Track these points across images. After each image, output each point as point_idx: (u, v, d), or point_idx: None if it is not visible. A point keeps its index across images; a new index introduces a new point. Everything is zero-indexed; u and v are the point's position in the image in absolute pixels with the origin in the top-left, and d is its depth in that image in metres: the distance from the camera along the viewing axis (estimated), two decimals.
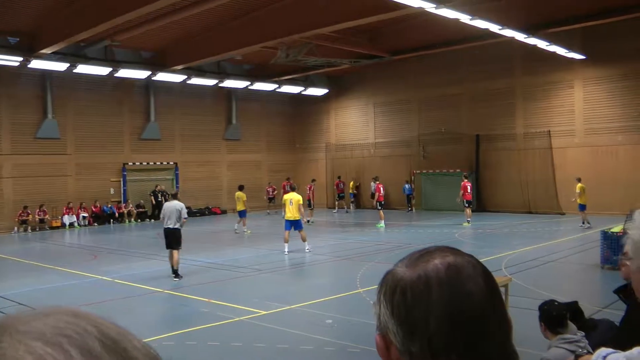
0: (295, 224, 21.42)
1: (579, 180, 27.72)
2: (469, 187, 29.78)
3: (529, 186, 34.49)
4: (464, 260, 1.27)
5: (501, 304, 1.27)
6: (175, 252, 17.14)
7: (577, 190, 27.16)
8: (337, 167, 44.63)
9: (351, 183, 42.39)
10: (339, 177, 42.32)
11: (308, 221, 31.55)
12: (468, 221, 29.05)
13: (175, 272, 17.08)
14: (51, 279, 17.94)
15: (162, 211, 17.78)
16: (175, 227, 17.30)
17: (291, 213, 21.27)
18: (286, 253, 21.13)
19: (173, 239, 17.26)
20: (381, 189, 31.21)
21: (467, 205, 29.65)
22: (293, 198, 21.51)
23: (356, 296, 13.85)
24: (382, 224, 29.52)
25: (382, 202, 31.04)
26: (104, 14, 23.97)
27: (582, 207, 27.14)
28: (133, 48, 34.28)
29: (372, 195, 34.62)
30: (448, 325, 1.17)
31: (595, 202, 29.14)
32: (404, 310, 1.20)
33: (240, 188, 29.79)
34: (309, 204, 34.76)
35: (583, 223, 26.82)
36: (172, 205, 17.59)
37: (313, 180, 38.48)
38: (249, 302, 13.43)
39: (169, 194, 37.80)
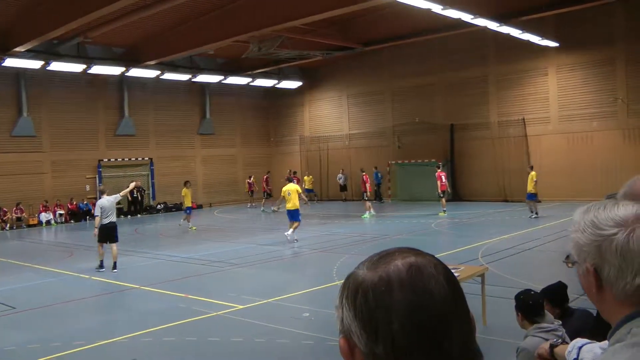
0: (293, 214, 22.32)
1: (532, 168, 27.25)
2: (443, 177, 29.77)
3: (505, 174, 34.63)
4: (425, 260, 1.27)
5: (464, 302, 1.26)
6: (114, 245, 18.01)
7: (534, 179, 26.33)
8: (312, 159, 44.63)
9: (305, 178, 42.26)
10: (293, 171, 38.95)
11: (274, 210, 32.18)
12: (444, 211, 29.17)
13: (114, 265, 17.85)
14: (29, 277, 17.90)
15: (101, 208, 17.95)
16: (115, 220, 18.35)
17: (291, 203, 22.11)
18: (296, 240, 22.05)
19: (114, 234, 18.09)
20: (367, 179, 31.45)
21: (442, 195, 29.72)
22: (291, 189, 22.36)
23: (333, 288, 13.83)
24: (366, 214, 29.67)
25: (367, 193, 31.13)
26: (76, 11, 23.84)
27: (532, 197, 26.55)
28: (106, 44, 34.15)
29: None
30: (411, 325, 1.17)
31: (571, 188, 29.44)
32: (366, 312, 1.20)
33: (185, 184, 30.17)
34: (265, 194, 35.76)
35: (532, 212, 26.25)
36: (111, 201, 18.29)
37: (268, 172, 40.30)
38: (225, 297, 13.41)
39: (144, 190, 37.74)
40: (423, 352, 1.17)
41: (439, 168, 30.54)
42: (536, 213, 26.11)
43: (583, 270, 1.75)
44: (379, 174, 39.32)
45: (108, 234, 17.98)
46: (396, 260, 1.26)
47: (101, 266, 17.95)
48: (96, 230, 18.05)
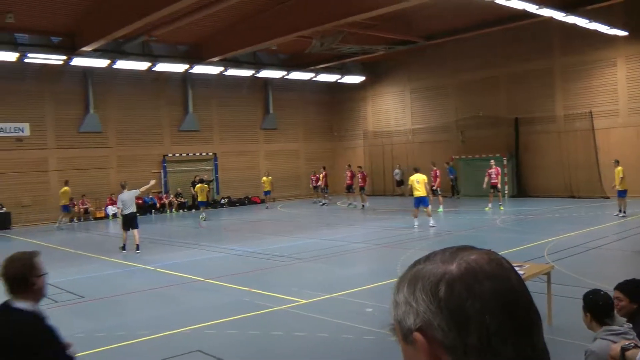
0: (423, 201, 23.60)
1: (618, 162, 25.44)
2: (493, 173, 29.49)
3: (571, 169, 33.85)
4: (497, 256, 1.27)
5: (532, 298, 1.27)
6: (136, 231, 20.97)
7: (621, 175, 24.74)
8: (375, 154, 44.53)
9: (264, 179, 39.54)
10: (348, 166, 38.95)
11: (363, 206, 33.32)
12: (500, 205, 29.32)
13: (137, 247, 20.89)
14: (96, 268, 18.44)
15: (121, 202, 21.12)
16: (134, 211, 21.36)
17: (419, 191, 23.40)
18: (415, 227, 23.40)
19: (134, 222, 21.11)
20: (438, 174, 31.16)
21: (491, 190, 29.58)
22: (418, 178, 23.60)
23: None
24: (441, 208, 29.81)
25: (438, 188, 30.73)
26: (141, 11, 24.41)
27: (621, 194, 24.83)
28: (170, 42, 34.81)
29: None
30: (504, 315, 1.17)
31: None
32: (454, 304, 1.18)
33: (201, 181, 34.53)
34: (324, 189, 35.80)
35: (620, 211, 24.58)
36: (130, 195, 21.23)
37: (324, 168, 39.39)
38: (288, 291, 13.47)
39: (210, 182, 38.27)
40: (515, 341, 1.17)
41: (494, 164, 30.33)
42: (624, 212, 24.45)
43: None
44: (454, 169, 38.78)
45: (129, 222, 21.05)
46: (472, 254, 1.26)
47: (124, 248, 21.16)
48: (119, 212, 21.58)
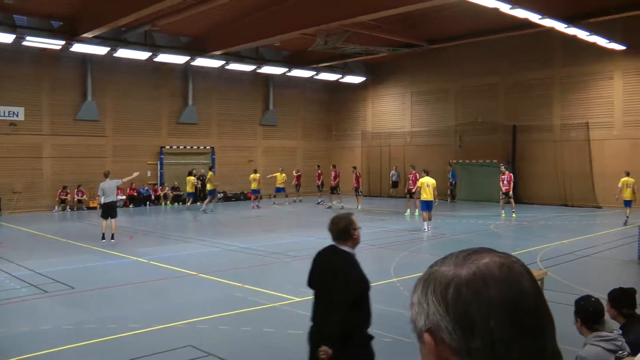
0: (429, 205, 23.74)
1: (628, 174, 26.32)
2: (505, 179, 29.24)
3: (566, 178, 34.13)
4: (510, 259, 1.30)
5: (546, 302, 1.29)
6: (113, 220, 21.32)
7: (620, 185, 25.91)
8: (373, 155, 44.59)
9: (277, 175, 38.79)
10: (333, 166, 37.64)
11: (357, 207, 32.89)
12: (504, 213, 28.95)
13: (112, 236, 21.26)
14: (88, 259, 18.34)
15: (102, 190, 21.36)
16: (114, 200, 21.67)
17: (427, 195, 23.64)
18: (425, 230, 23.44)
19: (114, 211, 21.50)
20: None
21: (502, 197, 29.34)
22: (430, 182, 23.86)
23: (391, 285, 13.85)
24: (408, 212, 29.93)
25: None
26: (145, 0, 24.20)
27: (626, 203, 25.80)
28: (172, 33, 34.63)
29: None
30: (509, 320, 1.19)
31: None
32: (461, 308, 1.21)
33: (189, 174, 37.19)
34: (333, 190, 35.35)
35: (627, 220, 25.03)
36: (110, 184, 21.47)
37: (318, 166, 39.26)
38: (282, 289, 13.49)
39: (204, 177, 38.28)
40: (521, 347, 1.19)
41: (507, 170, 29.96)
42: (625, 221, 24.97)
43: None
44: (455, 172, 38.77)
45: (108, 211, 21.34)
46: (484, 258, 1.28)
47: (103, 238, 21.22)
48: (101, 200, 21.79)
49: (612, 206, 30.55)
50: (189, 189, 35.30)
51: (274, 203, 38.42)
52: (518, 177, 35.87)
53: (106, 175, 21.83)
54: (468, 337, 1.20)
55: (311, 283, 6.45)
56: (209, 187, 33.83)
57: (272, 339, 10.08)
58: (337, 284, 5.81)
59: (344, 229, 6.11)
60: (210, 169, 35.49)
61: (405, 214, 29.90)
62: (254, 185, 36.37)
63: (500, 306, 1.20)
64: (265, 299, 12.64)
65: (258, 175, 36.79)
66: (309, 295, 12.63)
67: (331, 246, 6.23)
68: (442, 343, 1.23)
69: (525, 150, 36.22)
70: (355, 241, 6.20)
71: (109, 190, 21.30)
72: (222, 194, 40.62)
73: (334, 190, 35.10)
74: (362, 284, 6.03)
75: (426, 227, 23.48)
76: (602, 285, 11.96)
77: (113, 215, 21.37)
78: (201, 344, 9.62)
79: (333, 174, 35.40)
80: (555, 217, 28.68)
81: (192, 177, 37.04)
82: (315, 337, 6.09)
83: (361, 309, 5.99)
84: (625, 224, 24.76)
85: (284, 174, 38.64)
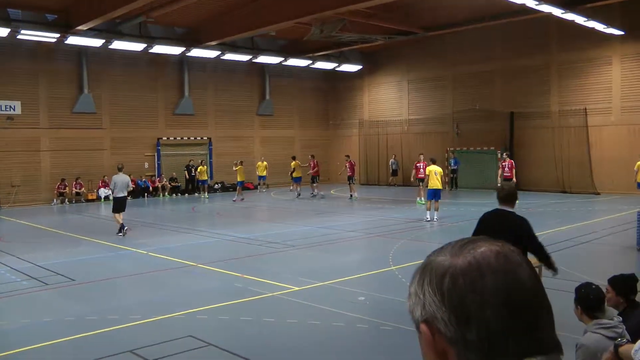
0: (437, 194, 23.22)
1: None
2: (506, 167, 29.07)
3: (564, 165, 34.07)
4: (508, 248, 1.27)
5: (545, 292, 1.27)
6: (120, 215, 21.02)
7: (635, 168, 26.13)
8: (370, 143, 44.58)
9: (292, 164, 37.23)
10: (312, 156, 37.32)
11: (351, 196, 32.63)
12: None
13: (120, 229, 20.95)
14: (87, 251, 18.38)
15: (113, 183, 21.29)
16: (125, 195, 21.32)
17: (434, 183, 23.06)
18: (428, 220, 22.99)
19: (123, 205, 21.24)
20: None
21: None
22: (437, 170, 23.37)
23: (389, 273, 13.87)
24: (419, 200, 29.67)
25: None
26: None
27: None
28: (167, 24, 34.50)
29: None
30: (505, 310, 1.18)
31: (632, 181, 28.71)
32: (457, 298, 1.20)
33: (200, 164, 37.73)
34: (313, 179, 35.28)
35: None
36: (122, 178, 21.26)
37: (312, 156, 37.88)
38: (281, 278, 13.51)
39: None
40: (517, 337, 1.18)
41: (508, 156, 29.78)
42: None
43: None
44: (458, 160, 38.66)
45: (120, 205, 21.15)
46: (481, 247, 1.26)
47: (119, 231, 20.87)
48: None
49: (611, 192, 30.56)
50: (240, 177, 35.21)
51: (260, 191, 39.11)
52: (516, 164, 35.90)
53: (120, 169, 21.73)
54: (464, 327, 1.18)
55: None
56: (238, 178, 34.72)
57: (271, 329, 10.07)
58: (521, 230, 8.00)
59: (510, 194, 8.35)
60: (241, 163, 35.64)
61: (418, 202, 29.44)
62: (261, 172, 38.36)
63: (497, 296, 1.18)
64: (265, 288, 12.64)
65: (265, 163, 38.91)
66: (307, 285, 12.74)
67: (497, 209, 8.33)
68: (438, 333, 1.22)
69: (523, 137, 36.13)
70: (514, 203, 8.57)
71: (121, 185, 21.11)
72: (220, 184, 40.65)
73: (314, 179, 35.39)
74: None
75: (429, 217, 23.09)
76: (601, 271, 11.97)
77: (124, 209, 21.34)
78: (201, 334, 9.63)
79: (312, 163, 35.57)
80: (553, 204, 28.65)
81: (203, 167, 37.36)
82: None
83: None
84: None
85: (265, 162, 39.24)
